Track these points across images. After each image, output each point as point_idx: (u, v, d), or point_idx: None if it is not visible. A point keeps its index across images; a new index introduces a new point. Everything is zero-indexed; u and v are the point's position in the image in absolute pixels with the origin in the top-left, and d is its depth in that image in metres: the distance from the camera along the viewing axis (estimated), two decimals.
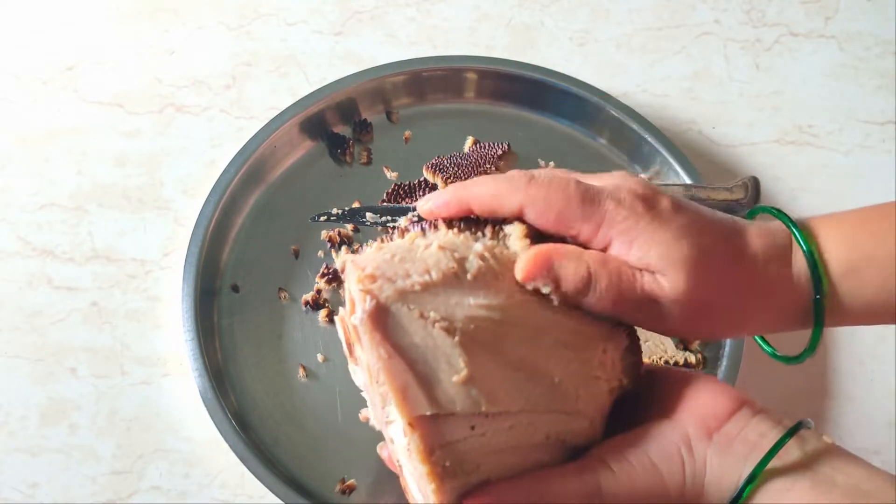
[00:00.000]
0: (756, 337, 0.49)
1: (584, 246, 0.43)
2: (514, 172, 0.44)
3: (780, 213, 0.44)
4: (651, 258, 0.42)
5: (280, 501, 0.60)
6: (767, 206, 0.47)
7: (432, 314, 0.39)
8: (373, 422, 0.48)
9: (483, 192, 0.44)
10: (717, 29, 0.83)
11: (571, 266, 0.42)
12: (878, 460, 0.65)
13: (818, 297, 0.43)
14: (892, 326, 0.70)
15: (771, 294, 0.44)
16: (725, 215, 0.45)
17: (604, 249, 0.43)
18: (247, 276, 0.70)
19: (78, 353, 0.68)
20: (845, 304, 0.43)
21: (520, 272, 0.42)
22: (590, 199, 0.43)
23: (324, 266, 0.70)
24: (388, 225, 0.64)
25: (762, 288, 0.44)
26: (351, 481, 0.63)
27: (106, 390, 0.67)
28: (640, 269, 0.42)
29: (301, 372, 0.66)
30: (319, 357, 0.67)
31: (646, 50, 0.82)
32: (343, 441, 0.64)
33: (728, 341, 0.66)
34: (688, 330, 0.44)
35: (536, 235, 0.43)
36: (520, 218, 0.43)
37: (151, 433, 0.65)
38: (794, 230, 0.43)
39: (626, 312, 0.43)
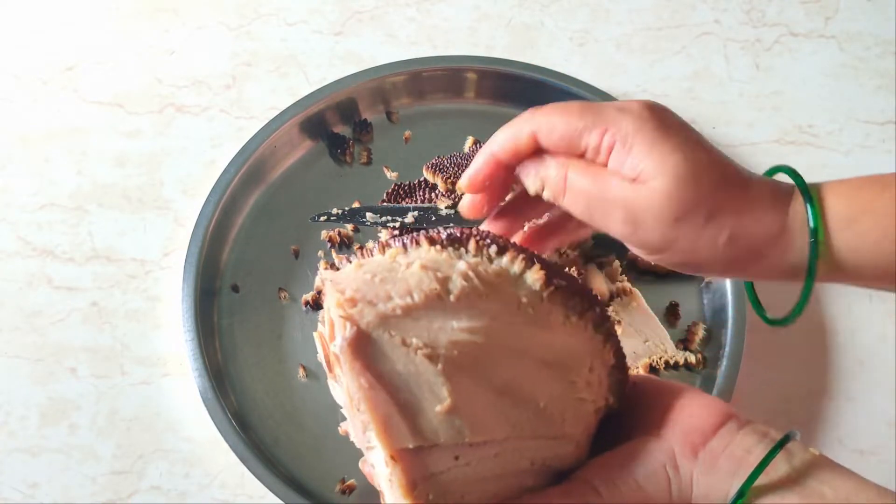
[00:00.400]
0: (750, 296, 0.49)
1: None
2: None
3: (790, 170, 0.44)
4: (644, 167, 0.42)
5: (280, 501, 0.60)
6: (783, 165, 0.45)
7: (415, 341, 0.37)
8: (353, 438, 0.47)
9: (502, 138, 0.45)
10: (717, 29, 0.83)
11: (553, 170, 0.44)
12: (878, 460, 0.65)
13: (813, 240, 0.42)
14: (892, 326, 0.70)
15: (763, 234, 0.43)
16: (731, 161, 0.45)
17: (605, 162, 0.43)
18: (247, 276, 0.70)
19: (78, 353, 0.68)
20: (840, 257, 0.42)
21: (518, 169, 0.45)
22: (592, 110, 0.43)
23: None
24: (388, 225, 0.64)
25: (754, 223, 0.43)
26: (351, 481, 0.63)
27: (106, 390, 0.67)
28: (632, 180, 0.42)
29: (301, 372, 0.66)
30: (319, 357, 0.67)
31: (646, 50, 0.82)
32: (343, 441, 0.64)
33: (728, 341, 0.66)
34: (664, 251, 0.43)
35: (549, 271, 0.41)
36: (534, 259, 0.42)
37: (151, 433, 0.65)
38: (798, 180, 0.43)
39: (599, 218, 0.43)
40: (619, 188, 0.43)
